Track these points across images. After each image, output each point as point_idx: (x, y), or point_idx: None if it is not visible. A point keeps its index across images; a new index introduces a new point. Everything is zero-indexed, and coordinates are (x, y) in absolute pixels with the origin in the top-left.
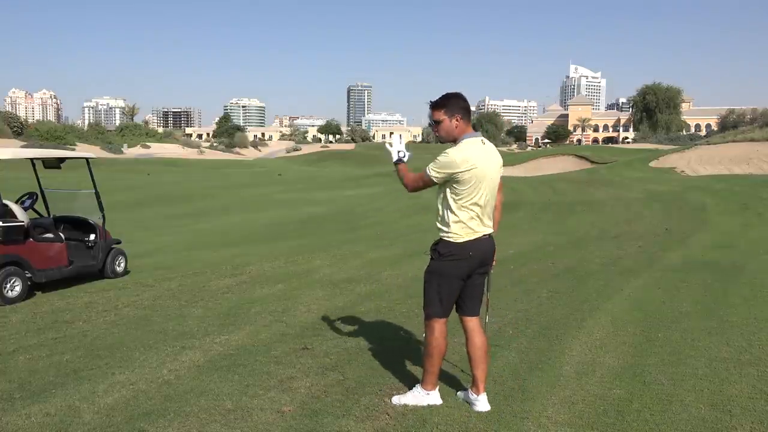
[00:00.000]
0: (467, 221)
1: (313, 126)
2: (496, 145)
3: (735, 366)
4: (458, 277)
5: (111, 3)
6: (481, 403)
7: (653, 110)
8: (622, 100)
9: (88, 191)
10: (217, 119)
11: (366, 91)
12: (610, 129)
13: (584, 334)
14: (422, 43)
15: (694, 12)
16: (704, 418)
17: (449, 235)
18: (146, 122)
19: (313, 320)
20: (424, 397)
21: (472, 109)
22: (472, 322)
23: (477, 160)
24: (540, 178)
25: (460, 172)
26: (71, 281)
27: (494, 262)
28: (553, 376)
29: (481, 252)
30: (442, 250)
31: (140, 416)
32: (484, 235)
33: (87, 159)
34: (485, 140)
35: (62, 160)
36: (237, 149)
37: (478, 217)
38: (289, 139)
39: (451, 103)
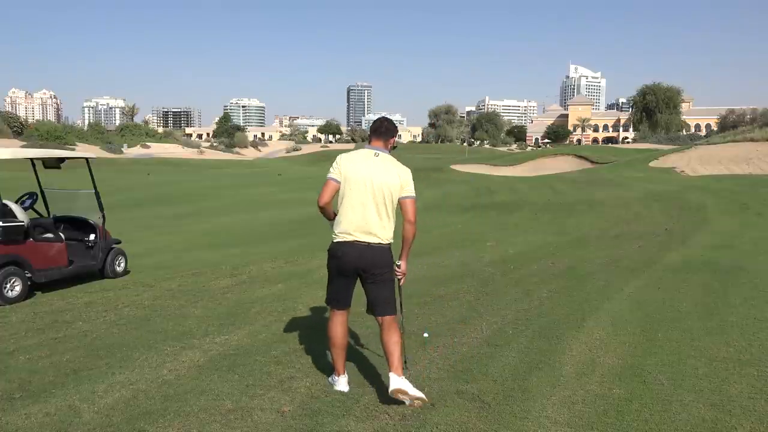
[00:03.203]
0: (338, 222)
1: (313, 126)
2: (495, 145)
3: (735, 366)
4: (334, 272)
5: (111, 2)
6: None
7: (653, 110)
8: (622, 100)
9: (88, 191)
10: (217, 119)
11: (366, 91)
12: (610, 129)
13: (584, 334)
14: (422, 43)
15: (694, 12)
16: (704, 418)
17: (332, 232)
18: (146, 122)
19: (313, 320)
20: (331, 380)
21: (472, 109)
22: (383, 321)
23: (346, 166)
24: (540, 178)
25: (334, 173)
26: (71, 281)
27: (401, 275)
28: (553, 376)
29: (350, 257)
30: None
31: (140, 416)
32: (359, 241)
33: (87, 159)
34: (382, 154)
35: (62, 160)
36: (237, 149)
37: (351, 221)
38: (289, 139)
39: None
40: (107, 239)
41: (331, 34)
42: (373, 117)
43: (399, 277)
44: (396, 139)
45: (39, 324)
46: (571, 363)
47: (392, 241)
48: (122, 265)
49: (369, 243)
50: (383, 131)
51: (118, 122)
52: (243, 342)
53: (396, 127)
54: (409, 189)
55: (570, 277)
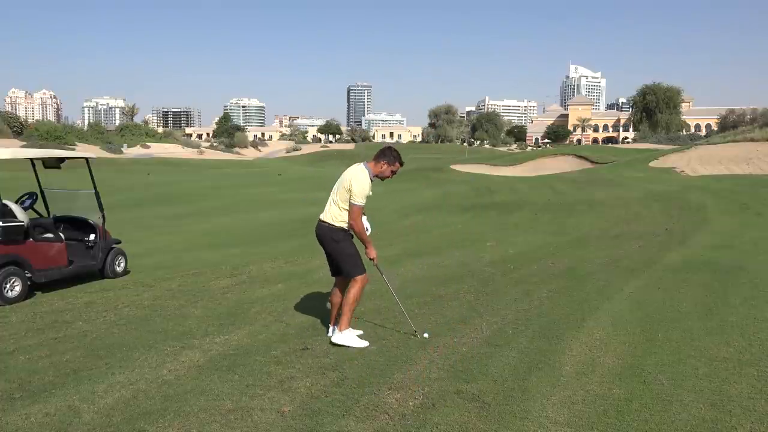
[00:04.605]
0: None
1: (313, 126)
2: (495, 145)
3: (735, 366)
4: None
5: (111, 2)
6: (335, 335)
7: (653, 110)
8: (622, 100)
9: (88, 191)
10: (217, 119)
11: (366, 91)
12: (610, 129)
13: (584, 334)
14: (422, 43)
15: (694, 12)
16: (704, 418)
17: None
18: (146, 122)
19: (313, 320)
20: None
21: (472, 109)
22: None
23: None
24: (540, 178)
25: None
26: (71, 281)
27: (373, 254)
28: (553, 376)
29: (317, 233)
30: None
31: (140, 416)
32: (319, 222)
33: (87, 159)
34: (361, 166)
35: (62, 160)
36: (237, 149)
37: (325, 206)
38: (289, 139)
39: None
40: (107, 239)
41: (331, 34)
42: (373, 117)
43: (371, 257)
44: (388, 166)
45: (39, 324)
46: (571, 363)
47: (342, 225)
48: (122, 265)
49: (322, 222)
50: (376, 155)
51: (118, 122)
52: (243, 342)
53: (391, 156)
54: (354, 198)
55: (570, 277)
